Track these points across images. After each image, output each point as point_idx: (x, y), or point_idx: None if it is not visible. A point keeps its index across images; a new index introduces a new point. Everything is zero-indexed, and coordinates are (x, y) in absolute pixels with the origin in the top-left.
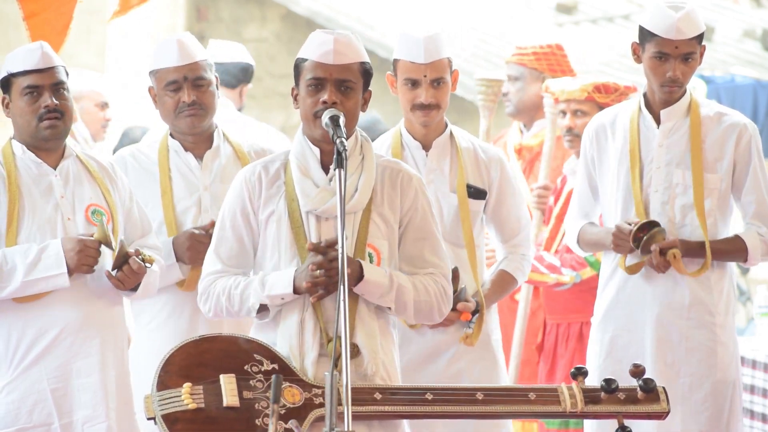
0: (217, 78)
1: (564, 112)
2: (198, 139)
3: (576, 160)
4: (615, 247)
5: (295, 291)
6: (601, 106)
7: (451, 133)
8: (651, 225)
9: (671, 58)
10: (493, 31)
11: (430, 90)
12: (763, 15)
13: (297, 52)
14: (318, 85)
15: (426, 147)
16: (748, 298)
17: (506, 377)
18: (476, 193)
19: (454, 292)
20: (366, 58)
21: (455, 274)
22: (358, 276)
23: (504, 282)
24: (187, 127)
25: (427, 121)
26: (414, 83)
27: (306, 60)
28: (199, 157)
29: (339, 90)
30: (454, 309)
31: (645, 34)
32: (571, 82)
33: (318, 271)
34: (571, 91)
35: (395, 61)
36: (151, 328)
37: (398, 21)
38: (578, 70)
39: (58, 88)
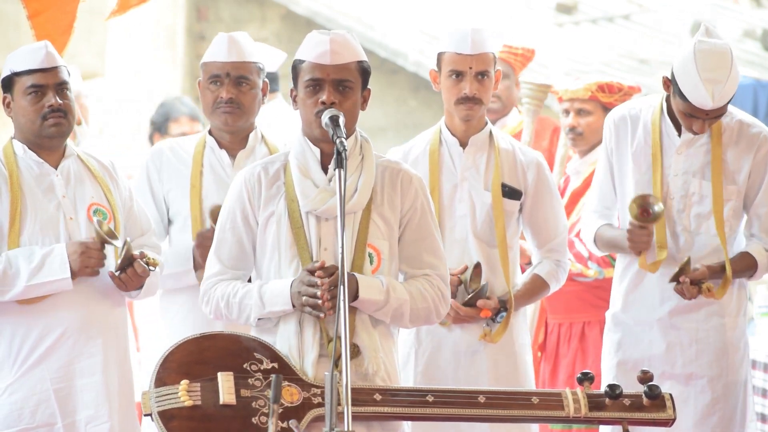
0: (266, 83)
1: (567, 111)
2: (234, 138)
3: (579, 160)
4: (632, 245)
5: (294, 306)
6: (604, 106)
7: (490, 132)
8: (649, 203)
9: (701, 119)
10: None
11: (475, 83)
12: (763, 15)
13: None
14: (316, 85)
15: (464, 144)
16: (748, 298)
17: (531, 383)
18: (511, 193)
19: (476, 288)
20: (363, 57)
21: (478, 270)
22: (354, 295)
23: (536, 286)
24: (221, 123)
25: (469, 114)
26: (459, 75)
27: (303, 61)
28: (234, 155)
29: (337, 90)
30: (473, 306)
31: (681, 92)
32: (574, 81)
33: (306, 297)
34: (575, 91)
35: (440, 54)
36: (175, 322)
37: (398, 21)
38: (579, 70)
39: (61, 87)
